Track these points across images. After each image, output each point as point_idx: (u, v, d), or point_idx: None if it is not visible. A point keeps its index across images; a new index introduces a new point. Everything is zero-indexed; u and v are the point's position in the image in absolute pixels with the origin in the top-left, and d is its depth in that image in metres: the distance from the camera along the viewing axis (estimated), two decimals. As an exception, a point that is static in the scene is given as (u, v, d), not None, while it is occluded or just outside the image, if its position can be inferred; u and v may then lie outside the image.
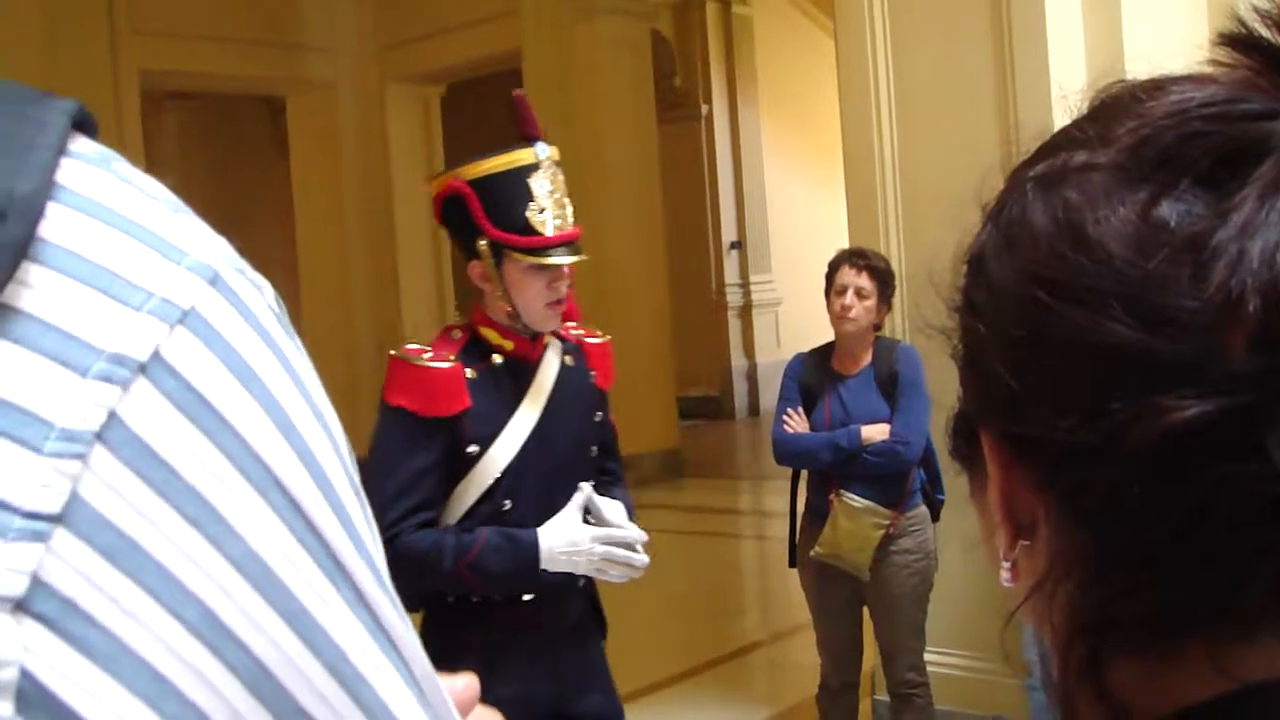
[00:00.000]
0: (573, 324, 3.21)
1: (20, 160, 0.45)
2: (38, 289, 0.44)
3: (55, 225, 0.45)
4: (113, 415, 0.43)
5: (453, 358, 2.93)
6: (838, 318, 4.37)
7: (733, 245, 15.65)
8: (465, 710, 0.73)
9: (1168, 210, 0.58)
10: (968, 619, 4.78)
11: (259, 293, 0.50)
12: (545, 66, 11.68)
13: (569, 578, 3.00)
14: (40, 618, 0.41)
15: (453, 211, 2.95)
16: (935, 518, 4.46)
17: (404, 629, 0.52)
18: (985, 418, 0.68)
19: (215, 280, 0.47)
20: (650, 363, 11.38)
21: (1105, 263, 0.58)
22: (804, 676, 5.08)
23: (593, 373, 3.17)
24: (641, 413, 10.97)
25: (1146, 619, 0.60)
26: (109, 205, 0.47)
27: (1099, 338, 0.58)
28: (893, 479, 4.33)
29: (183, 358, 0.45)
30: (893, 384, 4.32)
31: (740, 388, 15.67)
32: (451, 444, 2.90)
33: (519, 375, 3.01)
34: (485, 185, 2.90)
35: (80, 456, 0.42)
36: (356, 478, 0.52)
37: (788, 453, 4.49)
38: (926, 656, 4.51)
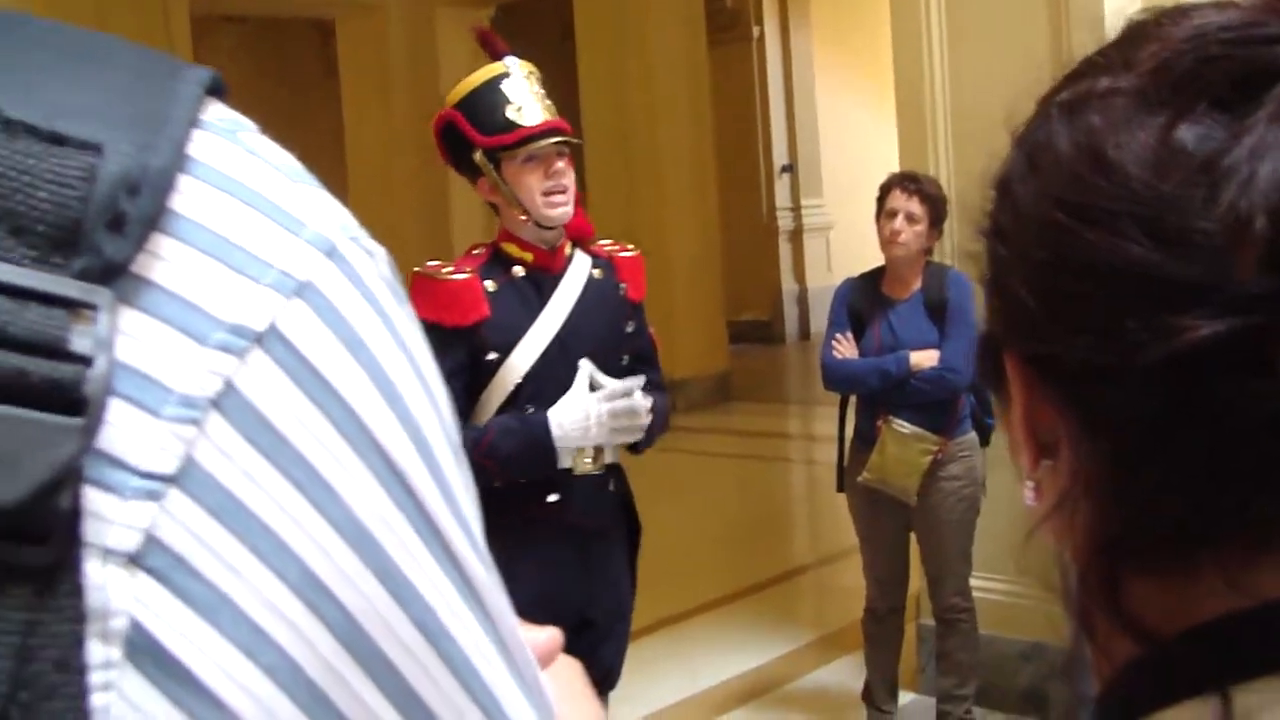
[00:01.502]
0: (606, 240, 3.39)
1: (155, 134, 0.46)
2: (166, 260, 0.45)
3: (185, 198, 0.47)
4: (229, 383, 0.45)
5: (469, 270, 3.11)
6: (887, 242, 4.34)
7: (784, 169, 15.56)
8: (546, 663, 0.75)
9: (1185, 133, 0.59)
10: (1011, 544, 4.77)
11: (372, 261, 0.51)
12: (595, -12, 11.60)
13: (598, 479, 3.16)
14: (151, 571, 0.43)
15: (450, 140, 3.15)
16: (985, 442, 4.45)
17: (492, 587, 0.54)
18: (1008, 340, 0.69)
19: (332, 252, 0.49)
20: (700, 286, 11.38)
21: (1123, 184, 0.60)
22: (850, 600, 5.11)
23: (623, 285, 3.30)
24: (691, 336, 11.00)
25: (1162, 536, 0.62)
26: (235, 177, 0.48)
27: (1116, 258, 0.59)
28: (942, 405, 4.32)
29: (297, 329, 0.47)
30: (943, 310, 4.29)
31: (791, 312, 15.63)
32: (471, 352, 3.06)
33: (541, 286, 3.16)
34: (467, 103, 3.13)
35: (196, 422, 0.44)
36: (456, 437, 0.54)
37: (836, 378, 4.48)
38: (971, 582, 4.53)
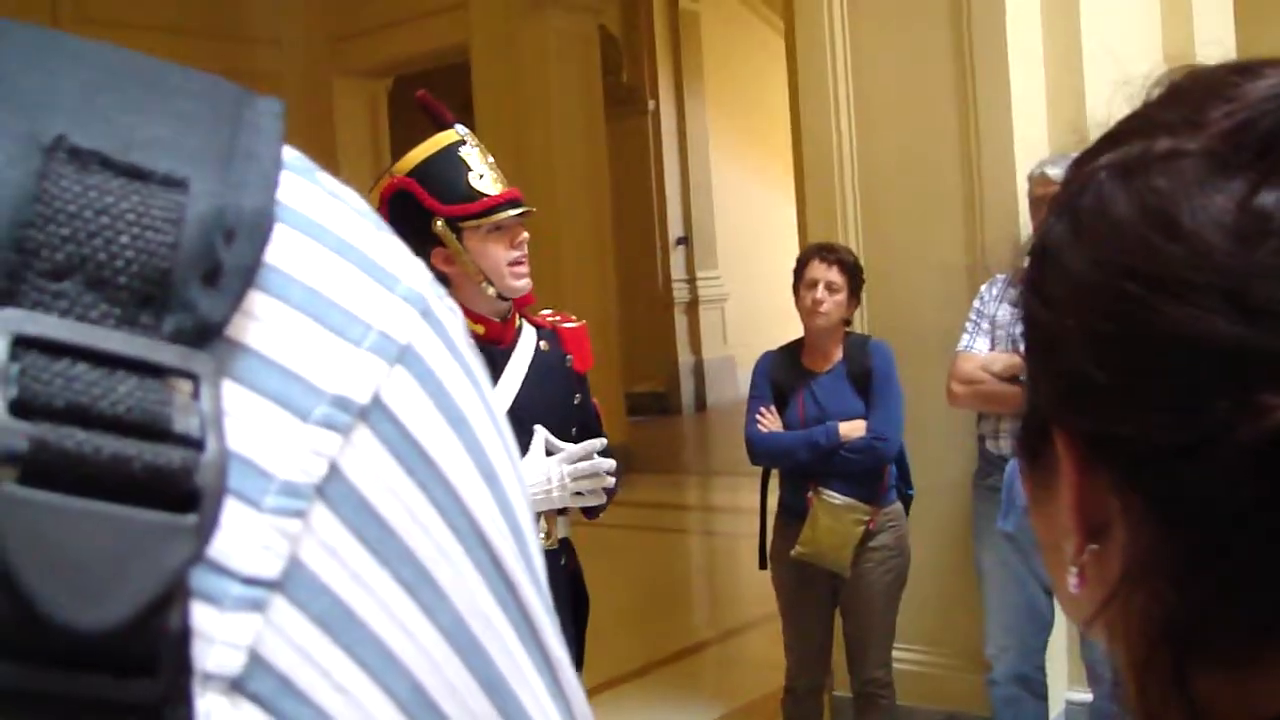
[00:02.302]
0: (547, 311, 3.37)
1: (243, 170, 0.40)
2: (260, 319, 0.39)
3: (276, 247, 0.40)
4: (334, 466, 0.39)
5: None
6: (810, 312, 4.33)
7: (679, 240, 15.63)
8: None
9: (1269, 198, 0.56)
10: (931, 614, 4.79)
11: (457, 321, 0.46)
12: (494, 60, 11.62)
13: (552, 556, 3.07)
14: (256, 699, 0.37)
15: (399, 209, 3.03)
16: (907, 512, 4.46)
17: (575, 684, 0.49)
18: (1061, 415, 0.65)
19: (426, 311, 0.43)
20: (598, 358, 11.26)
21: (1203, 253, 0.56)
22: (756, 673, 5.07)
23: (569, 356, 3.28)
24: (590, 408, 10.94)
25: (1236, 625, 0.58)
26: (324, 224, 0.42)
27: (1198, 332, 0.55)
28: (870, 475, 4.30)
29: (401, 401, 0.41)
30: (866, 379, 4.30)
31: (687, 384, 15.64)
32: None
33: (492, 360, 3.07)
34: (423, 171, 3.05)
35: (300, 514, 0.38)
36: (531, 513, 0.48)
37: (764, 451, 4.44)
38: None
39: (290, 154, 0.44)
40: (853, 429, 4.26)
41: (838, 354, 4.39)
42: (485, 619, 0.43)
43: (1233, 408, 0.54)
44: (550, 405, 3.13)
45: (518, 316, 3.22)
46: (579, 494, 3.04)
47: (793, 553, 4.36)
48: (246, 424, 0.38)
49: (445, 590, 0.41)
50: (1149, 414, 0.57)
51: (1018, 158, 4.52)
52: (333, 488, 0.39)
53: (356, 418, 0.40)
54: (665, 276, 15.65)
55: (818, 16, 5.04)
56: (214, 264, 0.38)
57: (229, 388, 0.38)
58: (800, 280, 4.38)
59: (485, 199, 3.04)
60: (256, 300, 0.39)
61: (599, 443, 3.09)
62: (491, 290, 3.07)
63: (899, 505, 4.42)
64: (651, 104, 15.36)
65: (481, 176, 3.06)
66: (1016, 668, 4.29)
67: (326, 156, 12.80)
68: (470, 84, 11.89)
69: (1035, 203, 4.09)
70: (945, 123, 4.68)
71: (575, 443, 3.14)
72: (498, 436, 0.45)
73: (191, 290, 0.37)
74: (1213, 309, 0.55)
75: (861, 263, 4.42)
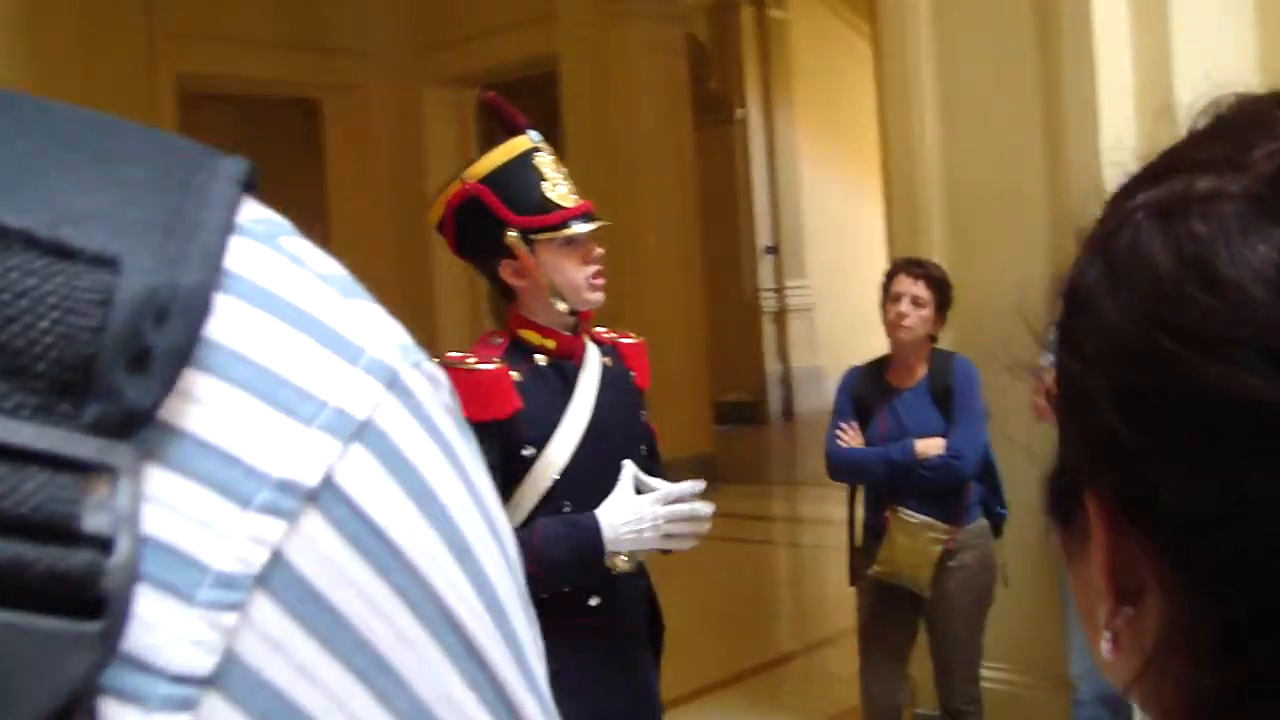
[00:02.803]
0: (603, 328, 3.19)
1: (186, 243, 0.37)
2: (199, 401, 0.37)
3: (221, 322, 0.38)
4: (276, 554, 0.36)
5: (497, 360, 2.88)
6: (893, 326, 4.30)
7: (768, 250, 15.58)
8: None
9: None
10: (1017, 633, 4.71)
11: (434, 389, 0.43)
12: (581, 70, 11.65)
13: (632, 579, 2.95)
14: None
15: (469, 218, 2.91)
16: (997, 532, 4.37)
17: None
18: (1092, 474, 0.60)
19: (393, 382, 0.41)
20: (685, 367, 11.33)
21: (1243, 306, 0.51)
22: (838, 688, 5.02)
23: (632, 372, 3.13)
24: (677, 417, 10.91)
25: (1274, 707, 0.54)
26: (280, 294, 0.40)
27: (1237, 393, 0.50)
28: (949, 493, 4.24)
29: (357, 481, 0.38)
30: (948, 397, 4.24)
31: (775, 393, 15.58)
32: (505, 448, 2.82)
33: (565, 374, 2.96)
34: (496, 179, 2.89)
35: (237, 606, 0.36)
36: (524, 582, 0.45)
37: (841, 466, 4.41)
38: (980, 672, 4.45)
39: (254, 216, 0.42)
40: (930, 446, 4.20)
41: (922, 370, 4.34)
42: (453, 704, 0.40)
43: (1269, 476, 0.50)
44: (622, 422, 3.02)
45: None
46: (671, 535, 2.88)
47: (870, 571, 4.33)
48: (180, 513, 0.36)
49: (405, 677, 0.39)
50: (1181, 478, 0.53)
51: (1104, 169, 4.42)
52: (276, 577, 0.36)
53: (304, 501, 0.37)
54: (753, 285, 15.61)
55: (901, 24, 4.98)
56: (142, 347, 0.35)
57: (162, 476, 0.36)
58: (887, 294, 4.34)
59: (561, 211, 2.90)
60: (196, 381, 0.37)
61: (697, 485, 2.95)
62: (562, 305, 2.93)
63: (983, 524, 4.34)
64: (740, 112, 15.32)
65: (556, 186, 2.91)
66: (1102, 689, 4.20)
67: (414, 167, 12.96)
68: (558, 93, 11.93)
69: None
70: (1031, 133, 4.60)
71: (644, 462, 3.04)
72: (475, 508, 0.43)
73: (116, 377, 0.35)
74: (1251, 367, 0.50)
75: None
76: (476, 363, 2.84)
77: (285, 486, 0.37)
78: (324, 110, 13.95)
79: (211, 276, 0.38)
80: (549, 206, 2.89)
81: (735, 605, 8.09)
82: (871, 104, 5.40)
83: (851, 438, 4.35)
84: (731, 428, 14.18)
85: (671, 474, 3.06)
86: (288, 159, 16.30)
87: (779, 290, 15.69)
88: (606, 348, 3.10)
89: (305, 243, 0.42)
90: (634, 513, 2.84)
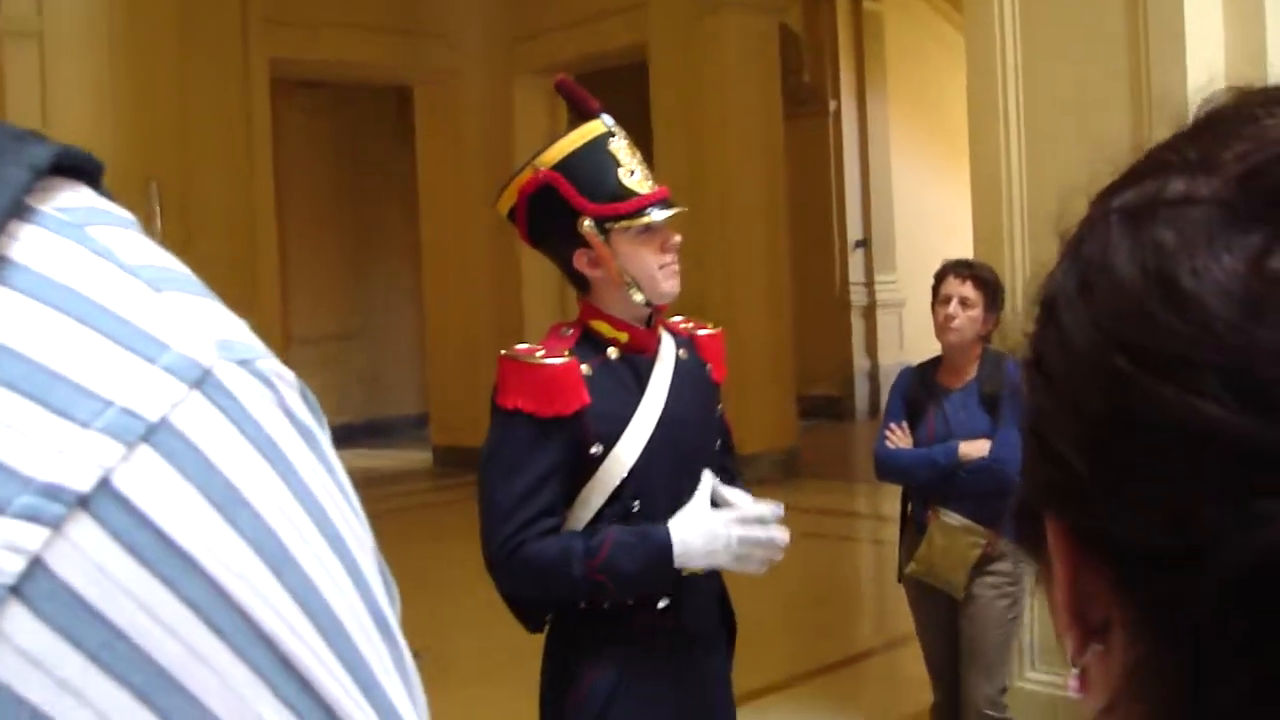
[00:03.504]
0: (680, 318, 3.10)
1: None
2: None
3: None
4: (36, 562, 0.34)
5: (567, 353, 2.79)
6: (941, 328, 4.29)
7: (858, 244, 15.48)
8: None
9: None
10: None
11: (267, 390, 0.40)
12: (672, 59, 11.64)
13: (705, 578, 2.85)
14: None
15: (542, 205, 2.81)
16: None
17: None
18: (1050, 504, 0.55)
19: (203, 380, 0.38)
20: (771, 360, 11.28)
21: (1203, 325, 0.46)
22: (916, 688, 4.97)
23: (708, 365, 3.03)
24: (760, 411, 10.88)
25: None
26: (70, 287, 0.37)
27: (1191, 420, 0.46)
28: (994, 497, 4.13)
29: (141, 486, 0.36)
30: (997, 399, 4.20)
31: (862, 388, 15.49)
32: (573, 444, 2.75)
33: (637, 368, 2.86)
34: (569, 165, 2.79)
35: None
36: (382, 594, 0.42)
37: (887, 469, 4.42)
38: (1031, 675, 4.41)
39: (63, 205, 0.38)
40: (974, 449, 4.16)
41: (972, 371, 4.32)
42: None
43: (1227, 514, 0.45)
44: (696, 417, 2.92)
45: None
46: (743, 557, 2.78)
47: (906, 570, 4.35)
48: None
49: (199, 697, 0.36)
50: (1137, 513, 0.48)
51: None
52: (34, 586, 0.34)
53: (74, 507, 0.34)
54: (843, 279, 15.51)
55: (988, 25, 4.91)
56: None
57: None
58: (936, 296, 4.34)
59: (637, 198, 2.78)
60: None
61: (777, 509, 2.82)
62: (639, 297, 2.82)
63: None
64: (833, 104, 15.23)
65: (632, 173, 2.80)
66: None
67: (504, 154, 13.01)
68: (647, 82, 11.92)
69: None
70: (1119, 133, 4.51)
71: (718, 459, 2.96)
72: (306, 516, 0.39)
73: None
74: (1209, 393, 0.46)
75: (1024, 274, 4.31)
76: (545, 356, 2.77)
77: (50, 491, 0.34)
78: (416, 96, 14.05)
79: None
80: (624, 193, 2.79)
81: (814, 601, 8.04)
82: (965, 98, 5.33)
83: (899, 439, 4.33)
84: (816, 422, 14.11)
85: (753, 468, 2.98)
86: (381, 144, 16.48)
87: (869, 284, 15.59)
88: (682, 339, 2.99)
89: (123, 233, 0.39)
90: (708, 529, 2.74)
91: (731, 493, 2.83)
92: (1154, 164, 0.54)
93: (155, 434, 0.36)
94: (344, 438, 16.07)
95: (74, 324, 0.36)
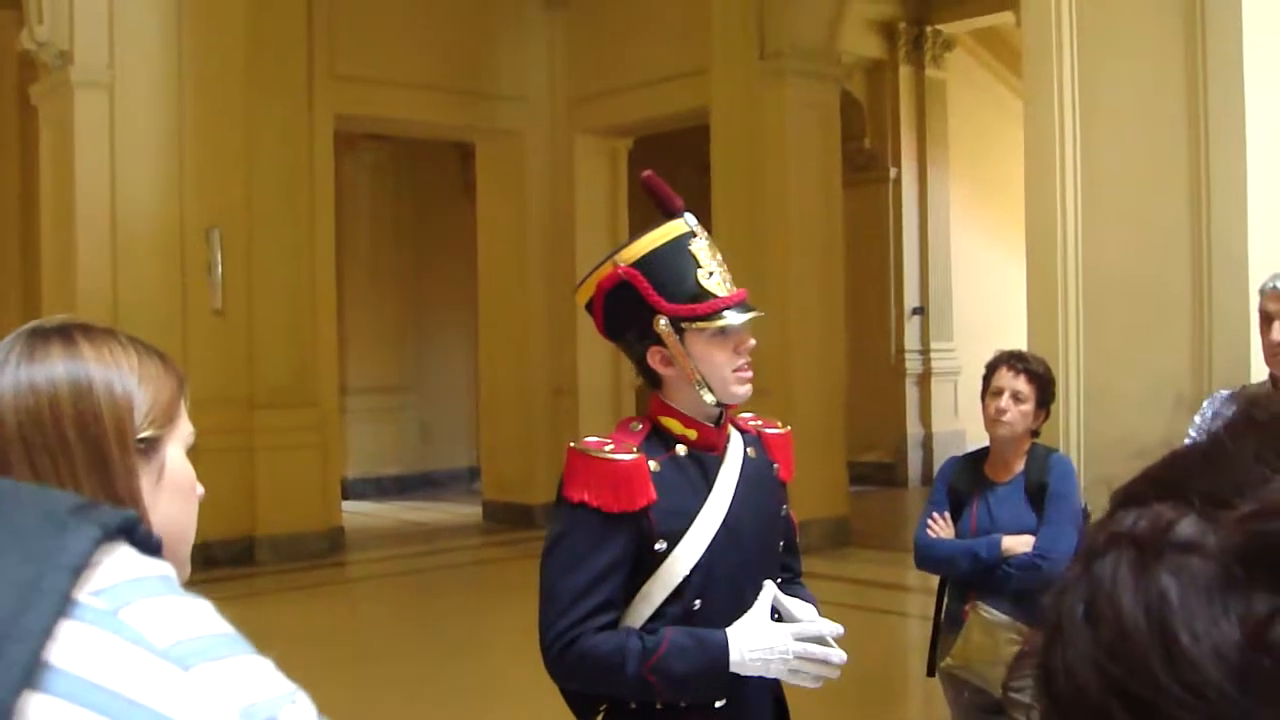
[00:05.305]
0: (748, 415, 3.09)
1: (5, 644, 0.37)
2: None
3: None
4: None
5: (636, 449, 2.78)
6: (992, 421, 4.23)
7: (915, 311, 15.43)
8: None
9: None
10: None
11: None
12: (733, 124, 11.66)
13: (762, 680, 2.81)
14: None
15: (620, 301, 2.83)
16: None
17: None
18: None
19: None
20: (823, 428, 11.22)
21: (1196, 688, 0.45)
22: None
23: (775, 464, 3.01)
24: (811, 477, 10.80)
25: None
26: (106, 686, 0.40)
27: None
28: (1035, 594, 4.00)
29: None
30: (1042, 494, 4.14)
31: (915, 456, 15.40)
32: (637, 540, 2.74)
33: (704, 466, 2.86)
34: (649, 263, 2.80)
35: None
36: None
37: (927, 558, 4.35)
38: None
39: (100, 586, 0.40)
40: (1018, 544, 4.10)
41: (1019, 465, 4.26)
42: None
43: None
44: (761, 517, 2.90)
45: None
46: (797, 672, 2.76)
47: (942, 664, 4.25)
48: None
49: None
50: None
51: (1251, 271, 4.29)
52: None
53: None
54: (898, 346, 15.46)
55: (1048, 106, 4.89)
56: None
57: None
58: (987, 387, 4.29)
59: (714, 300, 2.78)
60: None
61: (836, 628, 2.79)
62: (709, 397, 2.81)
63: None
64: (894, 171, 15.24)
65: (711, 274, 2.80)
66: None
67: (565, 212, 13.09)
68: (708, 145, 11.96)
69: (1265, 317, 3.87)
70: (1176, 218, 4.48)
71: (779, 559, 2.95)
72: None
73: None
74: None
75: (1079, 369, 4.27)
76: (613, 451, 2.76)
77: None
78: (478, 153, 14.17)
79: (11, 694, 0.40)
80: (702, 295, 2.79)
81: (863, 678, 7.93)
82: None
83: (941, 529, 4.27)
84: (867, 489, 14.02)
85: (802, 535, 2.94)
86: (441, 199, 16.62)
87: (924, 352, 15.52)
88: (750, 437, 2.99)
89: (155, 605, 0.41)
90: (766, 642, 2.72)
91: (794, 604, 2.81)
92: (1175, 480, 0.52)
93: None
94: (395, 490, 16.22)
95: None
